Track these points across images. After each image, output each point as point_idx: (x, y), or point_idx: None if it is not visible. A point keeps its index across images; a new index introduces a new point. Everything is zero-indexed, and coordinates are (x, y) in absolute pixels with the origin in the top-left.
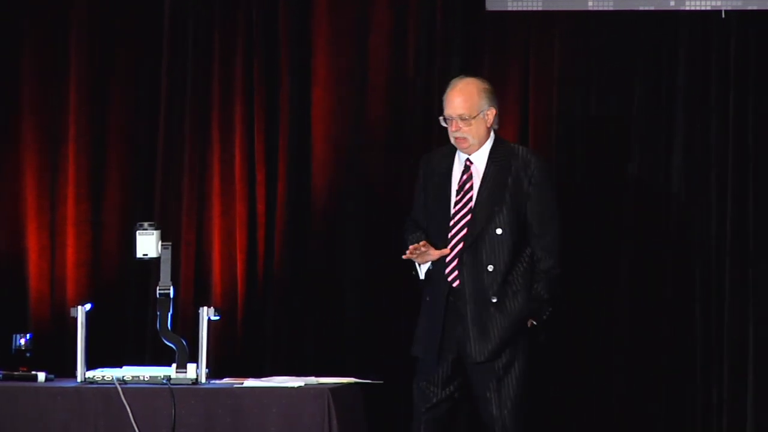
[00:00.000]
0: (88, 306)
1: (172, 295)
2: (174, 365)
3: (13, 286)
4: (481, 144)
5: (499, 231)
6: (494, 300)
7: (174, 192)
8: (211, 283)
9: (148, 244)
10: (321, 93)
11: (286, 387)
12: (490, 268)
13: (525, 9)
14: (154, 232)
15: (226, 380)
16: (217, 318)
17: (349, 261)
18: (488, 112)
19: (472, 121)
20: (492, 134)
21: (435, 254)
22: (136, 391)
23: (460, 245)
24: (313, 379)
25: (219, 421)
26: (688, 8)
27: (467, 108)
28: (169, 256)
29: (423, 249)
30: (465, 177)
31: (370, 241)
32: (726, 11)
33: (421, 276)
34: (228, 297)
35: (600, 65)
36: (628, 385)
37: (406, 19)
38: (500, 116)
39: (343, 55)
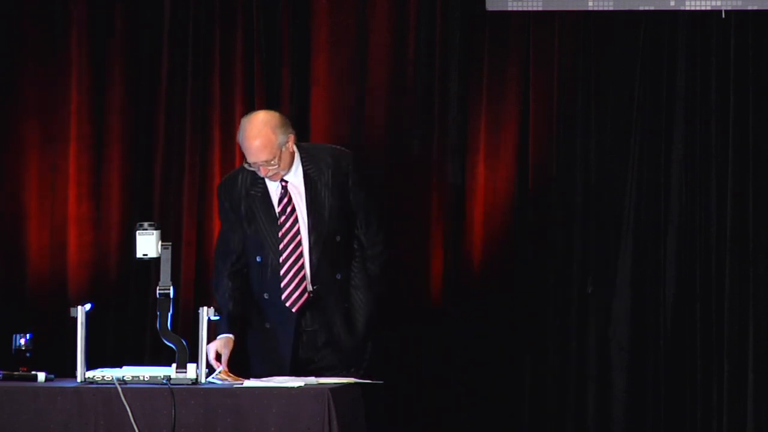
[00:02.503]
0: (88, 306)
1: (172, 295)
2: (174, 365)
3: (13, 285)
4: (286, 171)
5: (338, 238)
6: (346, 305)
7: (174, 192)
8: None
9: (148, 244)
10: (321, 93)
11: (286, 387)
12: (338, 276)
13: (525, 9)
14: (154, 232)
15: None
16: (217, 318)
17: None
18: (288, 143)
19: (281, 159)
20: (295, 148)
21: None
22: (136, 391)
23: (304, 268)
24: (313, 379)
25: (219, 421)
26: (688, 8)
27: (268, 154)
28: (170, 256)
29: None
30: (286, 200)
31: None
32: (726, 11)
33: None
34: None
35: (600, 65)
36: (628, 385)
37: (406, 19)
38: (498, 116)
39: (343, 55)
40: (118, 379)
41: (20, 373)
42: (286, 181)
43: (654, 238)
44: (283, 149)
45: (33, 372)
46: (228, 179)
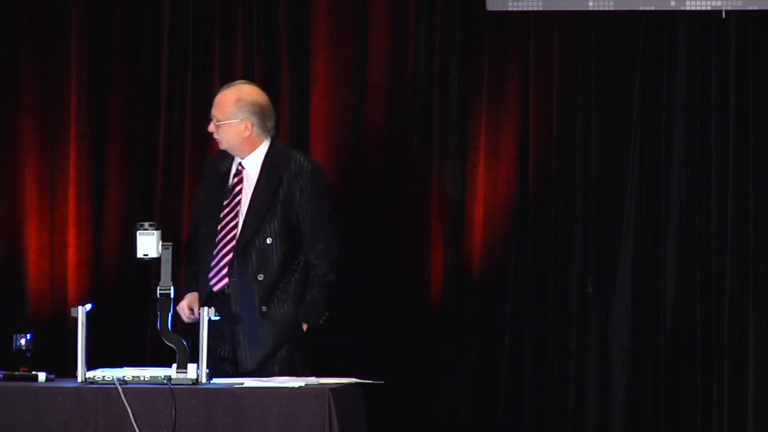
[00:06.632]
0: (88, 306)
1: (172, 296)
2: (174, 365)
3: (13, 286)
4: (237, 151)
5: (269, 240)
6: (263, 309)
7: (174, 192)
8: None
9: (148, 244)
10: (321, 93)
11: (287, 387)
12: (260, 277)
13: (525, 9)
14: (155, 232)
15: (226, 380)
16: (218, 318)
17: (347, 260)
18: (238, 124)
19: (222, 126)
20: (267, 140)
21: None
22: (136, 391)
23: (230, 255)
24: (313, 379)
25: (219, 421)
26: (688, 8)
27: (218, 112)
28: (170, 257)
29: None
30: (236, 181)
31: (369, 240)
32: (726, 11)
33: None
34: None
35: (600, 65)
36: (628, 385)
37: (406, 19)
38: (498, 116)
39: (343, 55)
40: (118, 379)
41: (21, 373)
42: (243, 167)
43: (654, 238)
44: (230, 124)
45: (33, 372)
46: (214, 153)
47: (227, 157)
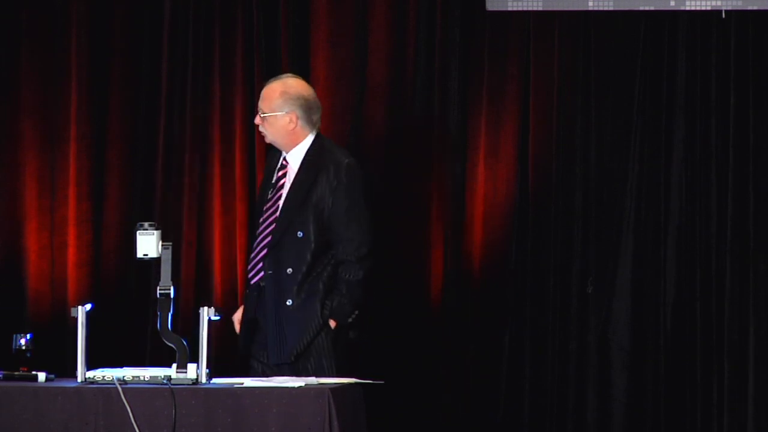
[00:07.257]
0: (88, 306)
1: (172, 296)
2: (174, 365)
3: (13, 286)
4: (281, 144)
5: (300, 234)
6: (289, 303)
7: (174, 192)
8: (211, 283)
9: (148, 244)
10: (321, 93)
11: (287, 387)
12: (289, 270)
13: (525, 9)
14: (155, 232)
15: (226, 380)
16: (218, 318)
17: None
18: (283, 117)
19: (267, 118)
20: (312, 135)
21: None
22: (136, 391)
23: (267, 248)
24: (313, 379)
25: (219, 421)
26: (688, 8)
27: (264, 104)
28: (170, 257)
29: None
30: (280, 175)
31: None
32: (726, 11)
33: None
34: (228, 297)
35: (600, 65)
36: (628, 385)
37: (406, 19)
38: (498, 116)
39: (343, 55)
40: (118, 379)
41: (20, 373)
42: (287, 162)
43: (654, 238)
44: (275, 116)
45: (33, 372)
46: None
47: (279, 152)
